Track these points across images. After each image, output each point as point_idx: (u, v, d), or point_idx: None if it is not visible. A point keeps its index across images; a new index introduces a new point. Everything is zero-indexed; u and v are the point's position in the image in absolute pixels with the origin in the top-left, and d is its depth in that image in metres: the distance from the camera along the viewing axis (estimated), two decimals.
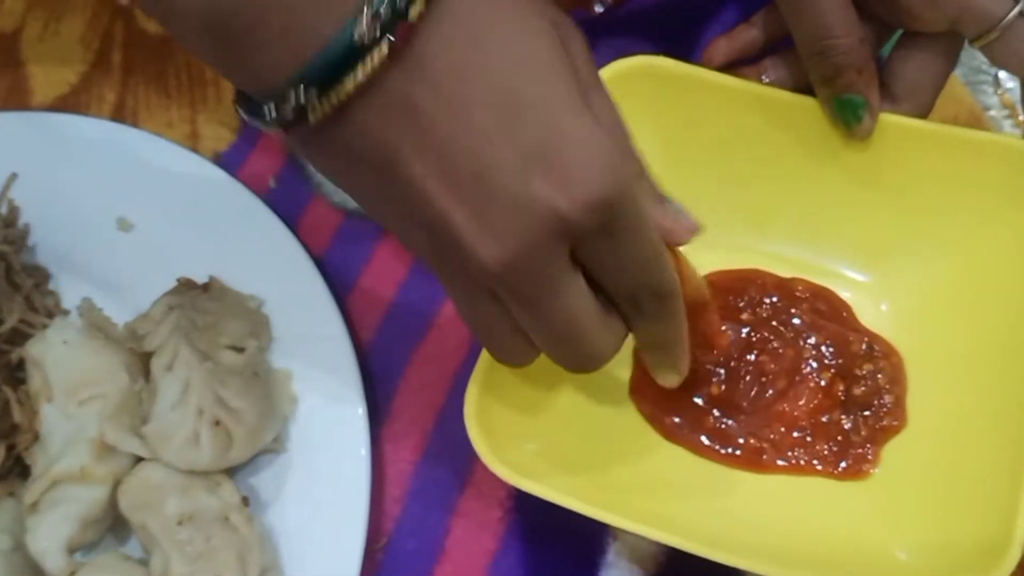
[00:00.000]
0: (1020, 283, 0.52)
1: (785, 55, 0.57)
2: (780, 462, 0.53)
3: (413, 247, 0.43)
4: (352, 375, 0.56)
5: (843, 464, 0.53)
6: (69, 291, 0.60)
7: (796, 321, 0.55)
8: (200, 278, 0.58)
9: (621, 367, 0.56)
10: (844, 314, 0.56)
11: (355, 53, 0.37)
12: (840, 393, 0.54)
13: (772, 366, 0.54)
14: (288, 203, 0.63)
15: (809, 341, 0.55)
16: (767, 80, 0.58)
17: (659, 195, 0.45)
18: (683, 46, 0.65)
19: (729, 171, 0.57)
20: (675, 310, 0.46)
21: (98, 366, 0.54)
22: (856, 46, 0.52)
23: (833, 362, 0.54)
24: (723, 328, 0.55)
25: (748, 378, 0.54)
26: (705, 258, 0.58)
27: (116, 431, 0.52)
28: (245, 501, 0.52)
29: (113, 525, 0.54)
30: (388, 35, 0.37)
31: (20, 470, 0.54)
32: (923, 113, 0.55)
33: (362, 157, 0.39)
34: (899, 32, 0.55)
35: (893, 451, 0.53)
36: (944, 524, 0.49)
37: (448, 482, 0.56)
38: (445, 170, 0.38)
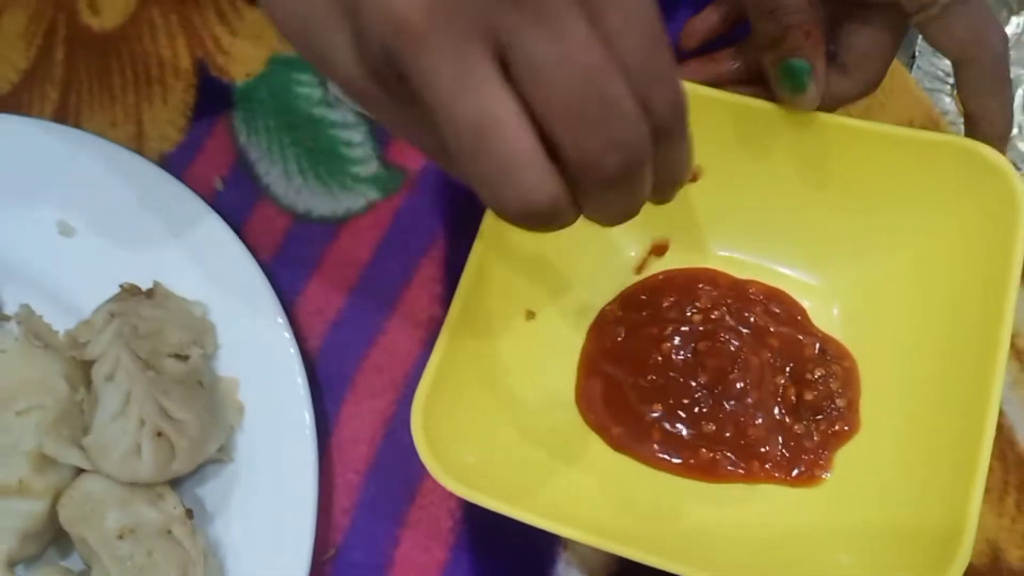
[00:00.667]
0: (969, 284, 0.51)
1: (745, 45, 0.57)
2: (733, 470, 0.53)
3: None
4: (299, 384, 0.55)
5: (796, 471, 0.53)
6: (9, 298, 0.59)
7: (748, 325, 0.55)
8: (144, 284, 0.57)
9: (568, 375, 0.55)
10: (799, 317, 0.56)
11: None
12: (793, 398, 0.54)
13: (724, 371, 0.54)
14: (235, 205, 0.62)
15: (762, 344, 0.54)
16: (731, 67, 0.57)
17: None
18: None
19: None
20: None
21: (37, 375, 0.53)
22: (804, 7, 0.52)
23: (785, 366, 0.54)
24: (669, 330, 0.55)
25: (699, 383, 0.54)
26: (658, 263, 0.58)
27: (55, 443, 0.51)
28: (189, 513, 0.51)
29: (55, 538, 0.53)
30: None
31: None
32: (871, 86, 0.55)
33: None
34: None
35: (846, 455, 0.53)
36: (894, 529, 0.49)
37: (397, 493, 0.55)
38: None
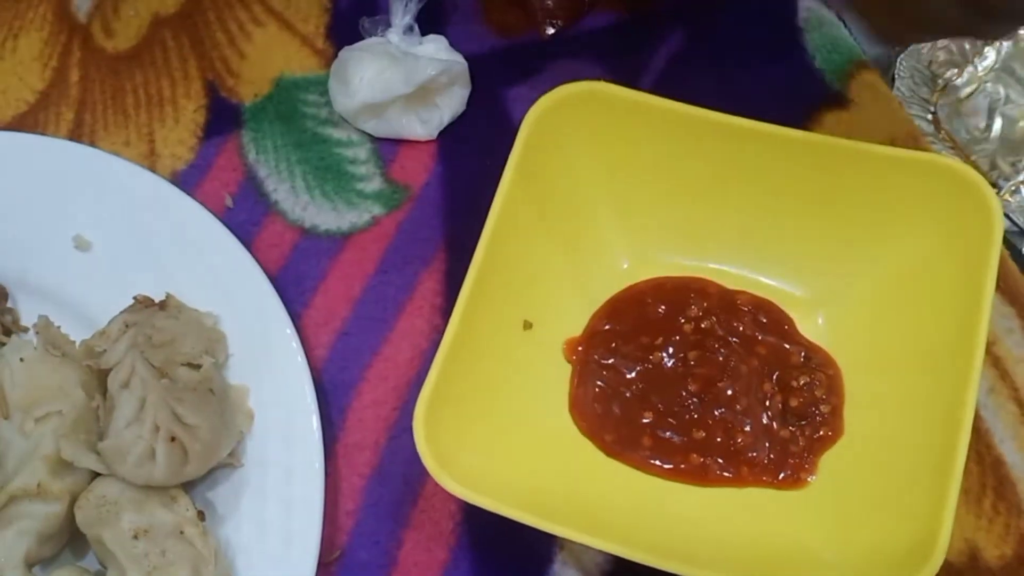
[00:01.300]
0: (948, 293, 0.54)
1: None
2: (722, 474, 0.55)
3: None
4: (306, 391, 0.57)
5: (783, 474, 0.55)
6: (27, 309, 0.61)
7: (736, 334, 0.57)
8: (157, 296, 0.59)
9: (562, 382, 0.57)
10: (786, 326, 0.58)
11: None
12: (779, 404, 0.56)
13: (714, 379, 0.56)
14: (245, 221, 0.64)
15: (750, 353, 0.57)
16: None
17: None
18: (632, 69, 0.67)
19: (672, 191, 0.59)
20: None
21: (54, 383, 0.55)
22: None
23: (772, 374, 0.56)
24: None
25: (690, 391, 0.56)
26: (648, 275, 0.60)
27: (72, 447, 0.53)
28: (201, 515, 0.53)
29: (71, 540, 0.55)
30: None
31: None
32: None
33: None
34: None
35: (830, 459, 0.55)
36: (875, 529, 0.51)
37: (400, 495, 0.57)
38: None
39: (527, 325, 0.58)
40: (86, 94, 0.69)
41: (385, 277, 0.63)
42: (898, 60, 0.70)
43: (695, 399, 0.56)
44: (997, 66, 0.71)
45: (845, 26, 0.69)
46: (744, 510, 0.54)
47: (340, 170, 0.66)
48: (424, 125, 0.66)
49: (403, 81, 0.64)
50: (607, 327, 0.59)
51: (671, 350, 0.57)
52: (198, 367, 0.56)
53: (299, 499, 0.55)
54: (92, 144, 0.67)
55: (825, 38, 0.68)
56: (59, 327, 0.58)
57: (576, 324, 0.59)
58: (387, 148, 0.67)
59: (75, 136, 0.68)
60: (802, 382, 0.56)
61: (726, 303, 0.58)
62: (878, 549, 0.50)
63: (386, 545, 0.56)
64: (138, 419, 0.53)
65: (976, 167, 0.65)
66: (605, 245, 0.60)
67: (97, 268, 0.62)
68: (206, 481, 0.56)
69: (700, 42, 0.68)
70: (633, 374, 0.57)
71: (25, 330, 0.60)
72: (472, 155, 0.66)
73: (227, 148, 0.67)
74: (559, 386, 0.58)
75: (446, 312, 0.61)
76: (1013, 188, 0.67)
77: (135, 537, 0.52)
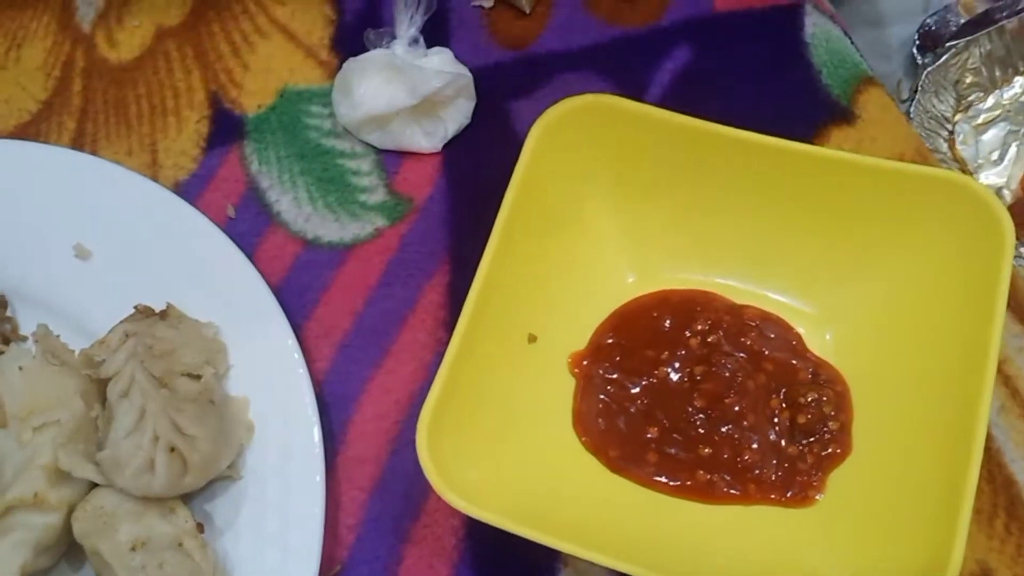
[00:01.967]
0: (958, 311, 0.53)
1: None
2: (729, 491, 0.54)
3: None
4: (308, 403, 0.56)
5: (790, 492, 0.54)
6: (26, 318, 0.61)
7: (744, 349, 0.56)
8: (157, 305, 0.58)
9: (567, 397, 0.57)
10: (793, 342, 0.58)
11: None
12: (787, 421, 0.55)
13: (721, 395, 0.55)
14: (247, 232, 0.64)
15: (757, 368, 0.56)
16: None
17: None
18: (637, 84, 0.67)
19: (679, 205, 0.58)
20: None
21: (53, 392, 0.54)
22: None
23: (780, 390, 0.56)
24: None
25: (696, 407, 0.55)
26: (654, 289, 0.59)
27: (70, 457, 0.52)
28: (200, 527, 0.52)
29: (67, 552, 0.54)
30: None
31: None
32: None
33: None
34: None
35: (838, 477, 0.54)
36: (884, 549, 0.50)
37: (402, 510, 0.56)
38: None
39: (531, 339, 0.57)
40: (88, 104, 0.69)
41: (388, 290, 0.62)
42: (924, 73, 0.70)
43: (701, 415, 0.55)
44: (1022, 97, 0.71)
45: (851, 42, 0.68)
46: (751, 528, 0.54)
47: (343, 181, 0.66)
48: (428, 137, 0.65)
49: (408, 93, 0.63)
50: (611, 341, 0.58)
51: (677, 365, 0.57)
52: (198, 378, 0.55)
53: (299, 513, 0.54)
54: (94, 154, 0.66)
55: (832, 53, 0.68)
56: (58, 336, 0.58)
57: (581, 338, 0.58)
58: (391, 160, 0.66)
59: (77, 145, 0.67)
60: (810, 398, 0.55)
61: (733, 317, 0.57)
62: (888, 569, 0.50)
63: (387, 561, 0.55)
64: (138, 429, 0.52)
65: None
66: (610, 258, 0.59)
67: (97, 277, 0.61)
68: (204, 493, 0.55)
69: (706, 57, 0.68)
70: (638, 389, 0.56)
71: (24, 339, 0.60)
72: (476, 167, 0.65)
73: (230, 159, 0.67)
74: (563, 400, 0.57)
75: (449, 325, 0.60)
76: None
77: (132, 549, 0.51)
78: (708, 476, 0.54)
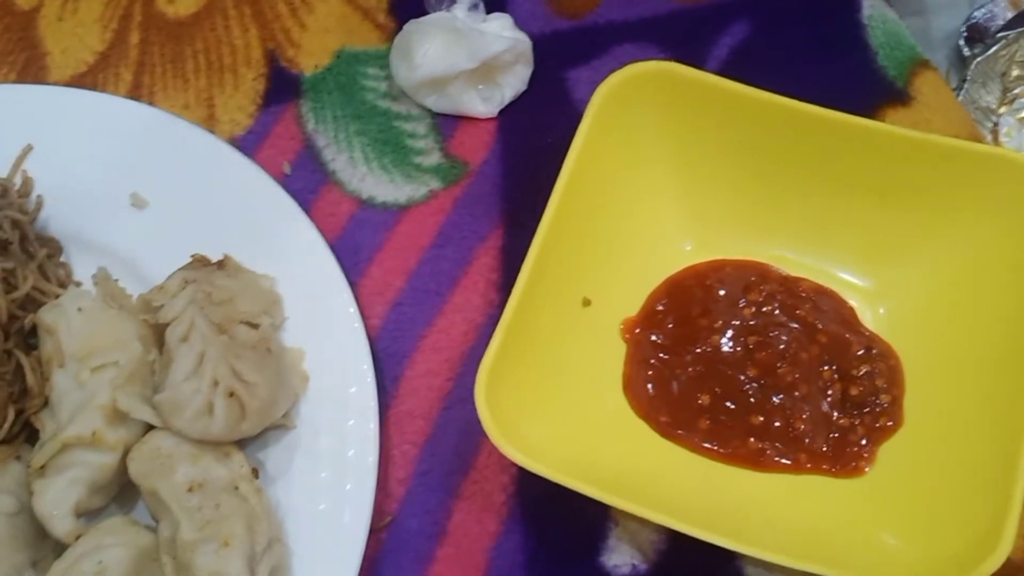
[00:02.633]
0: (1014, 290, 0.53)
1: None
2: (779, 460, 0.54)
3: None
4: (363, 357, 0.56)
5: (840, 463, 0.54)
6: (81, 264, 0.61)
7: (798, 320, 0.57)
8: (214, 256, 0.59)
9: (619, 362, 0.57)
10: (847, 316, 0.58)
11: None
12: (839, 392, 0.55)
13: (774, 365, 0.56)
14: (302, 189, 0.64)
15: (811, 340, 0.56)
16: None
17: None
18: (694, 56, 0.67)
19: (738, 175, 0.59)
20: None
21: (112, 334, 0.55)
22: None
23: (832, 362, 0.56)
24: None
25: (749, 376, 0.56)
26: (710, 257, 0.60)
27: (128, 398, 0.53)
28: (255, 472, 0.53)
29: (118, 494, 0.55)
30: None
31: (28, 434, 0.55)
32: None
33: None
34: None
35: (889, 449, 0.54)
36: (936, 520, 0.50)
37: (452, 466, 0.57)
38: None
39: (586, 302, 0.57)
40: (145, 56, 0.69)
41: (441, 251, 0.62)
42: (975, 63, 0.70)
43: (754, 384, 0.56)
44: None
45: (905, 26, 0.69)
46: (800, 496, 0.54)
47: (399, 143, 0.66)
48: (485, 102, 0.66)
49: (467, 56, 0.64)
50: (663, 308, 0.58)
51: (730, 333, 0.57)
52: (256, 326, 0.55)
53: (352, 463, 0.54)
54: (151, 105, 0.66)
55: (888, 35, 0.68)
56: (116, 280, 0.58)
57: (636, 303, 0.59)
58: (447, 123, 0.66)
59: (134, 97, 0.68)
60: (862, 371, 0.56)
61: (788, 289, 0.58)
62: (935, 540, 0.50)
63: (437, 515, 0.55)
64: (197, 373, 0.53)
65: None
66: (668, 226, 0.60)
67: (153, 226, 0.61)
68: (258, 441, 0.55)
69: (764, 34, 0.68)
70: (690, 356, 0.57)
71: (79, 284, 0.60)
72: (532, 134, 0.66)
73: (286, 117, 0.67)
74: (616, 365, 0.58)
75: (501, 287, 0.61)
76: None
77: (190, 490, 0.51)
78: (759, 444, 0.55)
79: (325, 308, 0.58)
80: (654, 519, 0.48)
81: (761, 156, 0.58)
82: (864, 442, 0.55)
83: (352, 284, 0.61)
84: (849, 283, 0.59)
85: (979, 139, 0.65)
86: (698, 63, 0.67)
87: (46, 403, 0.54)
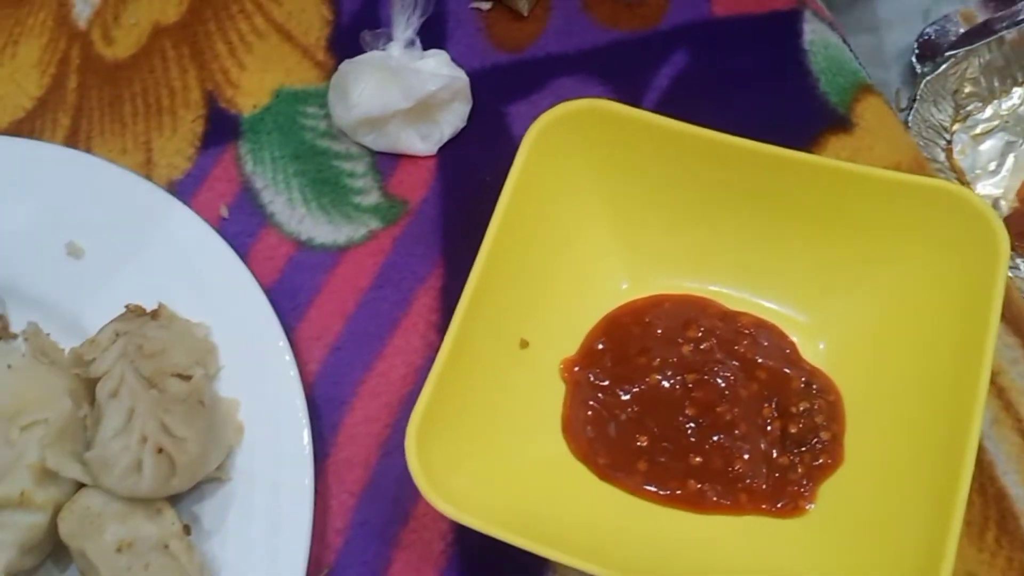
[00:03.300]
0: (952, 322, 0.53)
1: None
2: (719, 501, 0.54)
3: None
4: (298, 406, 0.56)
5: (781, 502, 0.54)
6: (18, 315, 0.60)
7: (737, 357, 0.56)
8: (149, 305, 0.58)
9: (557, 403, 0.57)
10: (787, 351, 0.57)
11: None
12: (778, 430, 0.55)
13: (712, 402, 0.55)
14: (240, 233, 0.63)
15: (750, 377, 0.56)
16: None
17: None
18: (634, 89, 0.67)
19: (674, 211, 0.58)
20: None
21: (41, 391, 0.54)
22: None
23: (772, 398, 0.55)
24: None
25: (687, 415, 0.55)
26: (648, 295, 0.59)
27: (57, 456, 0.52)
28: (187, 529, 0.52)
29: (53, 552, 0.54)
30: None
31: None
32: None
33: None
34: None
35: (829, 488, 0.54)
36: (874, 560, 0.50)
37: (390, 515, 0.56)
38: None
39: (523, 344, 0.57)
40: (83, 101, 0.69)
41: (380, 292, 0.62)
42: (923, 82, 0.70)
43: (693, 423, 0.55)
44: (1021, 108, 0.71)
45: (850, 49, 0.68)
46: (741, 538, 0.53)
47: (338, 183, 0.65)
48: (424, 140, 0.65)
49: (402, 96, 0.63)
50: (603, 346, 0.58)
51: (669, 372, 0.56)
52: (188, 378, 0.55)
53: (287, 516, 0.54)
54: (88, 151, 0.66)
55: (830, 61, 0.67)
56: (48, 334, 0.58)
57: (573, 344, 0.58)
58: (386, 162, 0.66)
59: (71, 143, 0.67)
60: (802, 408, 0.55)
61: (727, 324, 0.57)
62: None
63: (375, 565, 0.55)
64: (126, 429, 0.52)
65: None
66: (604, 264, 0.59)
67: (89, 275, 0.61)
68: (193, 495, 0.55)
69: (704, 62, 0.68)
70: (629, 396, 0.56)
71: (15, 337, 0.59)
72: (471, 171, 0.65)
73: (224, 159, 0.66)
74: (554, 407, 0.57)
75: (441, 329, 0.60)
76: None
77: (118, 550, 0.50)
78: (699, 485, 0.54)
79: (260, 356, 0.57)
80: (587, 570, 0.48)
81: (697, 191, 0.58)
82: (805, 481, 0.54)
83: (290, 329, 0.60)
84: (789, 317, 0.58)
85: (923, 165, 0.65)
86: (638, 94, 0.67)
87: None
